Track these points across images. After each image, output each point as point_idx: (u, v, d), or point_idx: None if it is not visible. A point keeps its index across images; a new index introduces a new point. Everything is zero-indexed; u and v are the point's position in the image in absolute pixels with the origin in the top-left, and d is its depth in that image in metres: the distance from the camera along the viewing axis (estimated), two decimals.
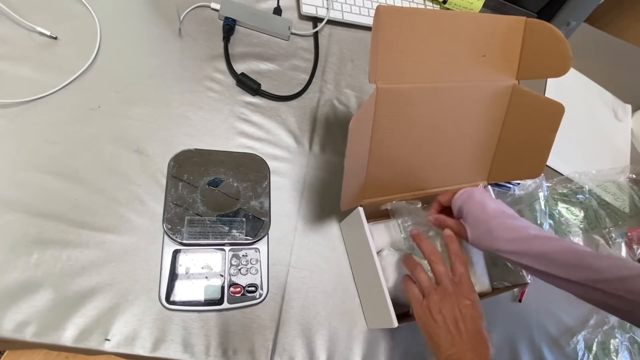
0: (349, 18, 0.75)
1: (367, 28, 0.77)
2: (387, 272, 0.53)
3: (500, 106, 0.54)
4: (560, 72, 0.49)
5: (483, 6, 0.82)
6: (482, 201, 0.49)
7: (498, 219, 0.47)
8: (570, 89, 0.92)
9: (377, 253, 0.53)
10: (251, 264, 0.52)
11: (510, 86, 0.52)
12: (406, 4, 0.80)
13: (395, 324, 0.46)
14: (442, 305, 0.44)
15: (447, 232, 0.50)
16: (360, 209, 0.52)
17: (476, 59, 0.48)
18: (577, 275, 0.42)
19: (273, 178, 0.58)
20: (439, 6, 0.84)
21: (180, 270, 0.49)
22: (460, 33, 0.46)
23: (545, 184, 0.69)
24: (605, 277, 0.40)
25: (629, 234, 0.73)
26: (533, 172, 0.56)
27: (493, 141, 0.56)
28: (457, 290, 0.45)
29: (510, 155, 0.56)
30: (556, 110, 0.50)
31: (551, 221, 0.71)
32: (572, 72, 0.94)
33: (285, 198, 0.59)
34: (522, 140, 0.54)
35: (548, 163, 0.79)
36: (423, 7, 0.82)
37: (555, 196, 0.74)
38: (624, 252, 0.70)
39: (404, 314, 0.52)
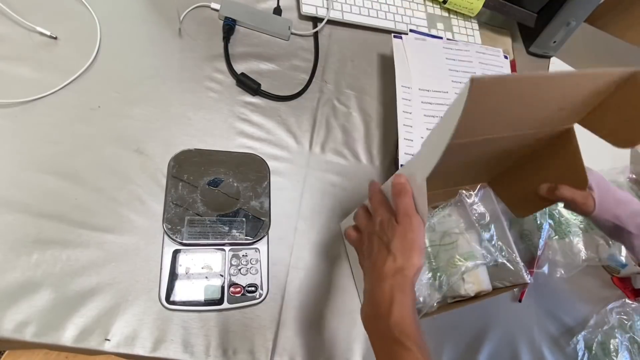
0: (349, 18, 0.75)
1: (367, 28, 0.77)
2: None
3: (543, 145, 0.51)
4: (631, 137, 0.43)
5: (483, 6, 0.82)
6: (610, 187, 0.54)
7: (629, 204, 0.52)
8: None
9: None
10: (251, 264, 0.52)
11: (564, 129, 0.48)
12: (406, 4, 0.80)
13: None
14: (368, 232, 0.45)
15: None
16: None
17: (553, 112, 0.44)
18: None
19: (273, 178, 0.58)
20: (439, 6, 0.84)
21: (180, 270, 0.49)
22: (548, 93, 0.40)
23: None
24: None
25: None
26: (518, 211, 0.56)
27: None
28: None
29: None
30: (579, 182, 0.49)
31: (551, 221, 0.71)
32: None
33: (285, 198, 0.59)
34: (532, 180, 0.52)
35: None
36: (423, 6, 0.82)
37: None
38: (624, 252, 0.70)
39: None
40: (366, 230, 0.46)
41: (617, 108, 0.42)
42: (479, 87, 0.34)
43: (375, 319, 0.40)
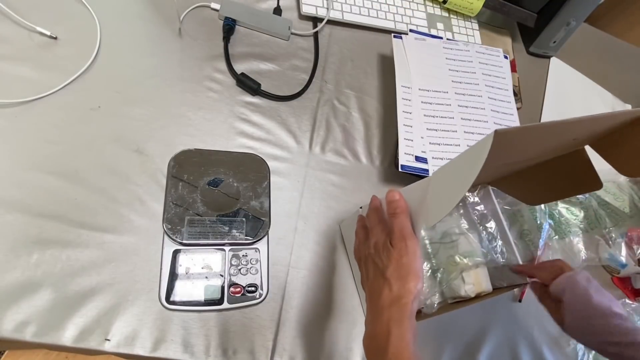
0: (349, 18, 0.75)
1: (367, 28, 0.77)
2: None
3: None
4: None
5: (483, 6, 0.82)
6: (585, 293, 0.47)
7: (602, 318, 0.45)
8: (570, 89, 0.92)
9: None
10: (251, 264, 0.52)
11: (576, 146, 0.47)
12: (406, 4, 0.80)
13: None
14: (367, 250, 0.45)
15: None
16: (360, 211, 0.52)
17: (567, 142, 0.44)
18: None
19: (273, 178, 0.58)
20: (439, 6, 0.84)
21: (180, 270, 0.49)
22: (566, 134, 0.40)
23: None
24: None
25: (629, 234, 0.73)
26: (529, 201, 0.55)
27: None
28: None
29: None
30: (592, 185, 0.48)
31: (551, 221, 0.71)
32: (572, 72, 0.94)
33: (285, 198, 0.59)
34: (546, 178, 0.51)
35: None
36: (423, 6, 0.82)
37: None
38: (623, 252, 0.70)
39: None
40: (363, 252, 0.45)
41: (628, 140, 0.42)
42: (501, 139, 0.33)
43: (374, 352, 0.39)
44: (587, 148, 0.47)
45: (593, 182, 0.47)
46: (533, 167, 0.50)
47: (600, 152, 0.45)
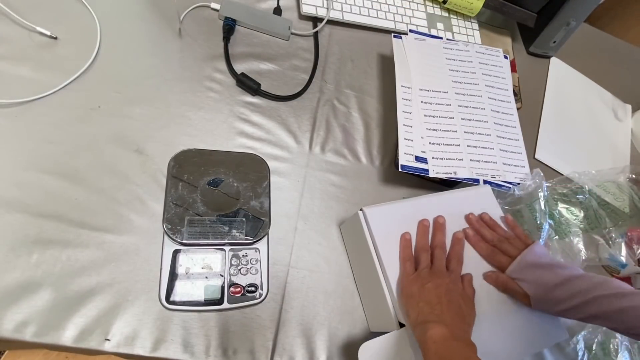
0: (349, 18, 0.75)
1: (367, 28, 0.77)
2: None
3: None
4: None
5: (483, 6, 0.82)
6: (540, 270, 0.50)
7: (560, 288, 0.48)
8: (570, 89, 0.92)
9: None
10: (251, 264, 0.52)
11: None
12: (406, 4, 0.80)
13: (397, 327, 0.46)
14: (430, 282, 0.46)
15: (458, 234, 0.54)
16: (360, 213, 0.52)
17: None
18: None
19: (273, 178, 0.58)
20: (438, 6, 0.84)
21: (180, 270, 0.49)
22: None
23: (545, 184, 0.69)
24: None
25: (629, 234, 0.73)
26: None
27: None
28: (449, 276, 0.48)
29: None
30: None
31: (551, 221, 0.71)
32: (572, 72, 0.94)
33: (285, 198, 0.59)
34: None
35: (548, 163, 0.80)
36: (423, 6, 0.82)
37: (555, 196, 0.74)
38: (623, 252, 0.70)
39: None
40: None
41: None
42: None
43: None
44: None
45: None
46: None
47: None
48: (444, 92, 0.68)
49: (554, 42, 0.89)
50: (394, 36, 0.69)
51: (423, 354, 0.41)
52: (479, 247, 0.54)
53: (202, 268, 0.50)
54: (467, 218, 0.56)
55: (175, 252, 0.50)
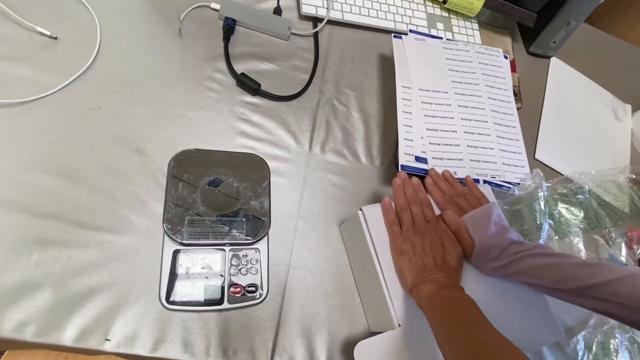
0: (349, 18, 0.75)
1: (367, 28, 0.77)
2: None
3: None
4: None
5: (483, 6, 0.82)
6: (484, 225, 0.52)
7: (496, 246, 0.50)
8: (570, 89, 0.92)
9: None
10: (251, 264, 0.52)
11: None
12: (406, 4, 0.80)
13: (397, 327, 0.46)
14: (415, 239, 0.50)
15: (415, 180, 0.57)
16: (360, 213, 0.52)
17: None
18: (564, 285, 0.45)
19: (273, 178, 0.58)
20: (438, 6, 0.84)
21: (180, 270, 0.49)
22: None
23: (545, 184, 0.69)
24: (588, 284, 0.43)
25: (629, 234, 0.73)
26: None
27: None
28: (429, 227, 0.51)
29: None
30: None
31: (551, 221, 0.71)
32: (572, 72, 0.94)
33: (285, 198, 0.59)
34: None
35: (548, 163, 0.80)
36: (423, 6, 0.82)
37: (555, 196, 0.74)
38: (623, 252, 0.70)
39: None
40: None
41: None
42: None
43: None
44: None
45: None
46: None
47: None
48: (444, 92, 0.68)
49: (554, 42, 0.89)
50: (394, 36, 0.69)
51: (426, 316, 0.44)
52: (435, 195, 0.57)
53: (202, 268, 0.50)
54: (429, 171, 0.60)
55: (176, 252, 0.50)
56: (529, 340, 0.51)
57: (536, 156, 0.80)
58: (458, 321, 0.41)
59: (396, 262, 0.50)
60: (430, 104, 0.66)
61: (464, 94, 0.69)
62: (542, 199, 0.68)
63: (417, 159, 0.61)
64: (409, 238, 0.50)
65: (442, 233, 0.52)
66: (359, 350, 0.45)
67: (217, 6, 0.67)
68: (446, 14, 0.85)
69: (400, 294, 0.50)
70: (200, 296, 0.49)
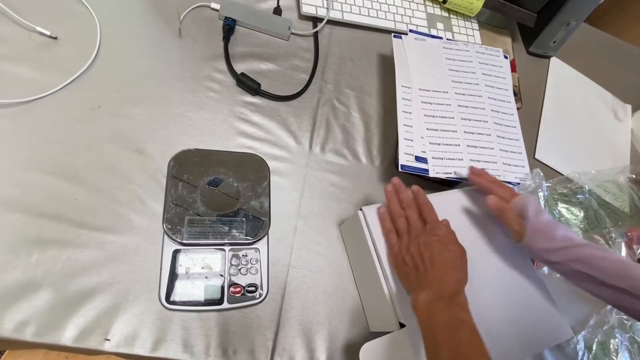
0: (349, 18, 0.75)
1: (367, 28, 0.77)
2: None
3: None
4: None
5: (483, 6, 0.82)
6: (537, 210, 0.51)
7: (552, 228, 0.50)
8: (570, 89, 0.92)
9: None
10: (251, 264, 0.52)
11: None
12: (406, 4, 0.80)
13: (398, 327, 0.46)
14: (411, 245, 0.47)
15: (414, 187, 0.53)
16: (360, 213, 0.52)
17: None
18: (624, 283, 0.44)
19: (273, 178, 0.58)
20: (438, 6, 0.84)
21: (180, 270, 0.49)
22: None
23: (545, 184, 0.69)
24: None
25: (629, 234, 0.73)
26: None
27: None
28: (425, 230, 0.49)
29: None
30: None
31: None
32: (572, 72, 0.94)
33: (285, 198, 0.59)
34: None
35: (548, 163, 0.80)
36: (423, 6, 0.82)
37: (555, 196, 0.74)
38: (624, 252, 0.70)
39: None
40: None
41: None
42: None
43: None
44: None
45: None
46: None
47: None
48: (444, 92, 0.68)
49: (554, 42, 0.89)
50: (394, 36, 0.69)
51: (420, 327, 0.42)
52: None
53: (202, 268, 0.50)
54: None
55: (175, 252, 0.50)
56: (538, 339, 0.51)
57: (536, 156, 0.80)
58: (446, 343, 0.39)
59: (395, 270, 0.49)
60: (430, 103, 0.66)
61: (464, 94, 0.69)
62: (542, 199, 0.68)
63: (417, 158, 0.61)
64: (405, 245, 0.48)
65: (443, 234, 0.48)
66: (365, 352, 0.45)
67: (217, 6, 0.67)
68: (446, 14, 0.85)
69: (401, 294, 0.50)
70: (200, 296, 0.49)
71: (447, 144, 0.64)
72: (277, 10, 0.72)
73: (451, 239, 0.49)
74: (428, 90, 0.67)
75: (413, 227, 0.50)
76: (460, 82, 0.70)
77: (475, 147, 0.66)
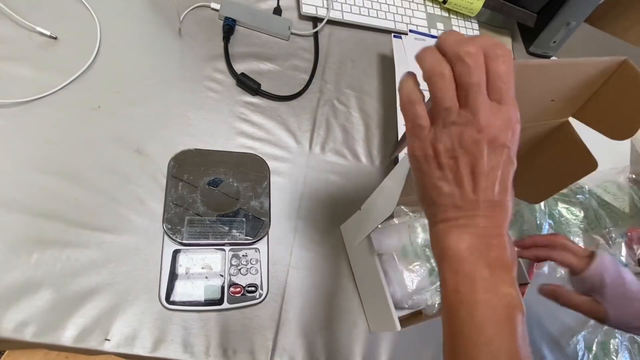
0: (349, 18, 0.75)
1: (367, 28, 0.77)
2: (388, 277, 0.52)
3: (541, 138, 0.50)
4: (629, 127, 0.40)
5: (483, 6, 0.82)
6: (619, 274, 0.43)
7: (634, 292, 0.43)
8: None
9: (378, 256, 0.53)
10: (251, 264, 0.52)
11: (559, 122, 0.47)
12: (406, 4, 0.80)
13: (398, 327, 0.46)
14: (454, 141, 0.27)
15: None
16: (360, 212, 0.52)
17: (545, 103, 0.40)
18: None
19: (273, 178, 0.58)
20: (439, 6, 0.84)
21: (180, 270, 0.49)
22: (535, 84, 0.36)
23: None
24: None
25: (629, 234, 0.73)
26: (532, 199, 0.56)
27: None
28: (494, 117, 0.27)
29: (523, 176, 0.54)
30: (587, 166, 0.47)
31: (551, 221, 0.71)
32: None
33: (285, 198, 0.59)
34: (540, 168, 0.52)
35: None
36: (423, 6, 0.82)
37: (555, 196, 0.74)
38: (624, 252, 0.70)
39: (405, 316, 0.52)
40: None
41: (609, 99, 0.41)
42: None
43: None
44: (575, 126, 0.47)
45: (588, 163, 0.47)
46: (525, 161, 0.50)
47: (585, 120, 0.45)
48: None
49: (554, 42, 0.89)
50: (394, 36, 0.69)
51: (441, 286, 0.29)
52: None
53: (202, 268, 0.50)
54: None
55: (175, 252, 0.50)
56: None
57: None
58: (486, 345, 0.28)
59: (415, 171, 0.30)
60: None
61: None
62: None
63: None
64: (448, 136, 0.28)
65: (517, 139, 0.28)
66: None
67: (217, 6, 0.67)
68: (446, 14, 0.85)
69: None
70: (200, 296, 0.49)
71: None
72: (277, 10, 0.72)
73: (514, 143, 0.28)
74: (428, 90, 0.67)
75: (473, 107, 0.27)
76: None
77: None
